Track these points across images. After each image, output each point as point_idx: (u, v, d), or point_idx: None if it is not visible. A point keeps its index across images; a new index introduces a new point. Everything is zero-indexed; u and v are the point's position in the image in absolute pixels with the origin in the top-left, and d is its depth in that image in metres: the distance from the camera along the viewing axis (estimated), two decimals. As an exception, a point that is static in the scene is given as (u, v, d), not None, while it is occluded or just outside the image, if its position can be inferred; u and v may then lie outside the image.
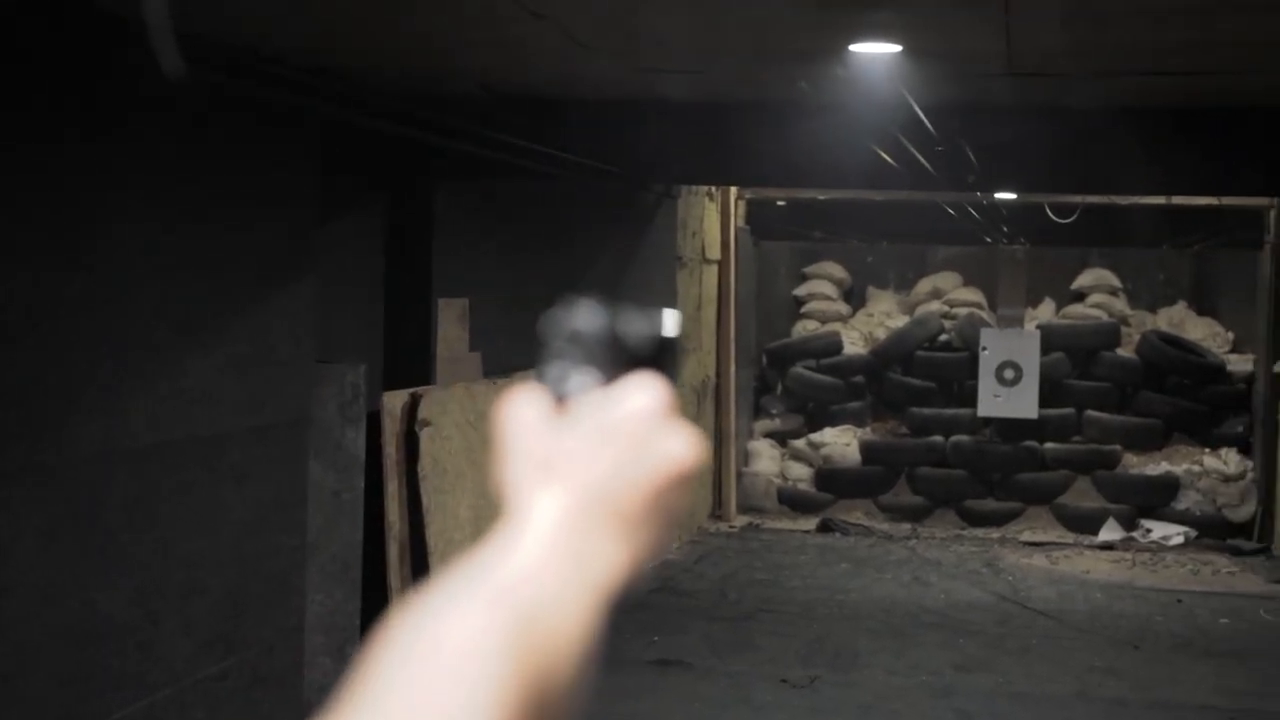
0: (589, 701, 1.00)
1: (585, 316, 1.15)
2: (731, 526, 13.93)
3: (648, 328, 1.22)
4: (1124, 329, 14.94)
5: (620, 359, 1.18)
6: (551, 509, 1.07)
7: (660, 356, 1.24)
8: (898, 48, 6.03)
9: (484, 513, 7.15)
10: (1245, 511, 13.81)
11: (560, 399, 1.13)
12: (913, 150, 7.94)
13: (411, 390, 7.04)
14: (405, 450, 6.85)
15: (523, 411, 1.13)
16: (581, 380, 1.15)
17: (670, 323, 1.25)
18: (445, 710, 0.87)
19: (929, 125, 7.36)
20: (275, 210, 6.37)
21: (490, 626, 0.94)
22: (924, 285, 15.78)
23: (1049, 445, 14.49)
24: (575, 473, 1.09)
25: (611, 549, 1.09)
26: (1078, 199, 13.23)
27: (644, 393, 1.14)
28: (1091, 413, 14.58)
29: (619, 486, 1.10)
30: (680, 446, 1.13)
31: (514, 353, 8.29)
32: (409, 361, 7.43)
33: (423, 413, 6.93)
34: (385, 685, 0.90)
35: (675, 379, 1.24)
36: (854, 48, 6.05)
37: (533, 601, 0.99)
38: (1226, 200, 12.85)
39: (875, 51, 6.10)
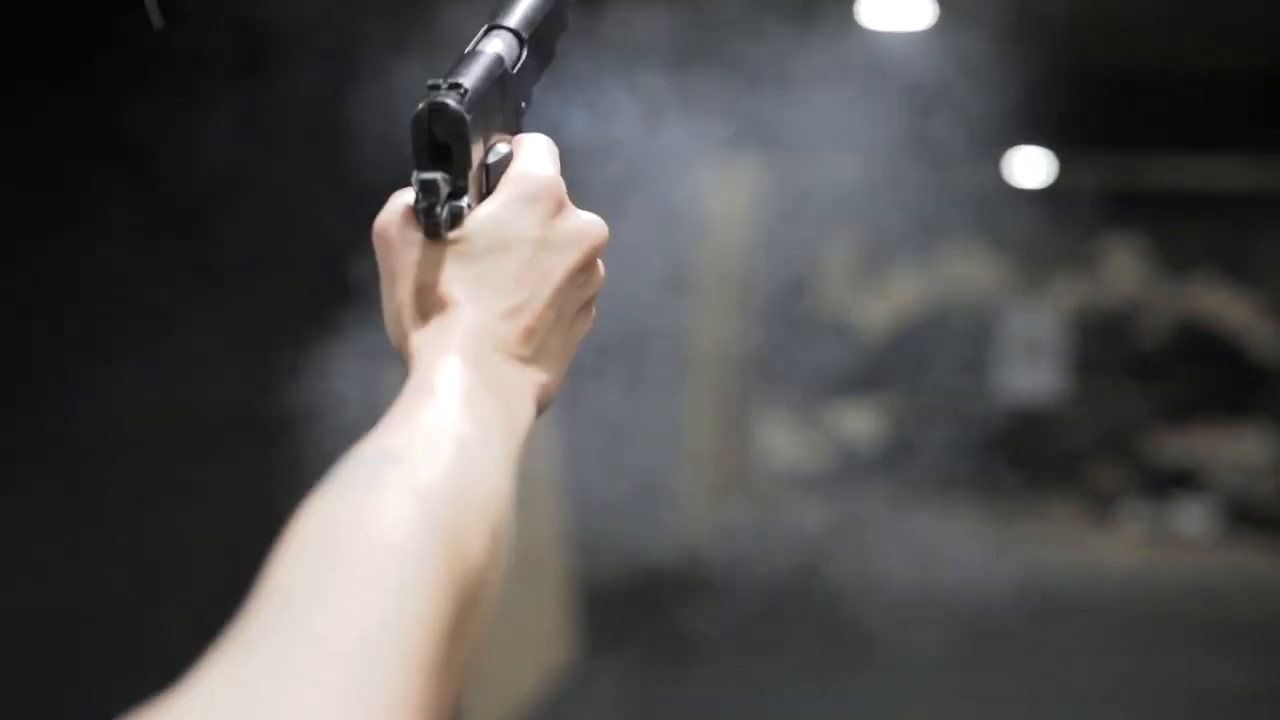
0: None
1: (453, 118, 1.00)
2: (748, 508, 13.79)
3: (523, 36, 1.12)
4: (1150, 306, 14.82)
5: (504, 110, 1.08)
6: (450, 352, 0.99)
7: (545, 49, 1.18)
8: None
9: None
10: (1274, 495, 13.69)
11: (439, 230, 1.01)
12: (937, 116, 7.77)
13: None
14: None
15: (402, 236, 1.03)
16: (461, 197, 1.02)
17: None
18: (374, 610, 0.75)
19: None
20: (274, 184, 6.25)
21: (415, 519, 0.83)
22: (943, 258, 15.62)
23: (1072, 425, 14.38)
24: (471, 309, 1.01)
25: (523, 381, 1.03)
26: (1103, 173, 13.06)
27: (528, 183, 1.05)
28: (1115, 392, 14.47)
29: (517, 308, 1.02)
30: (578, 230, 1.07)
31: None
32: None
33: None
34: (306, 581, 0.80)
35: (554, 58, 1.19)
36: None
37: (452, 479, 0.89)
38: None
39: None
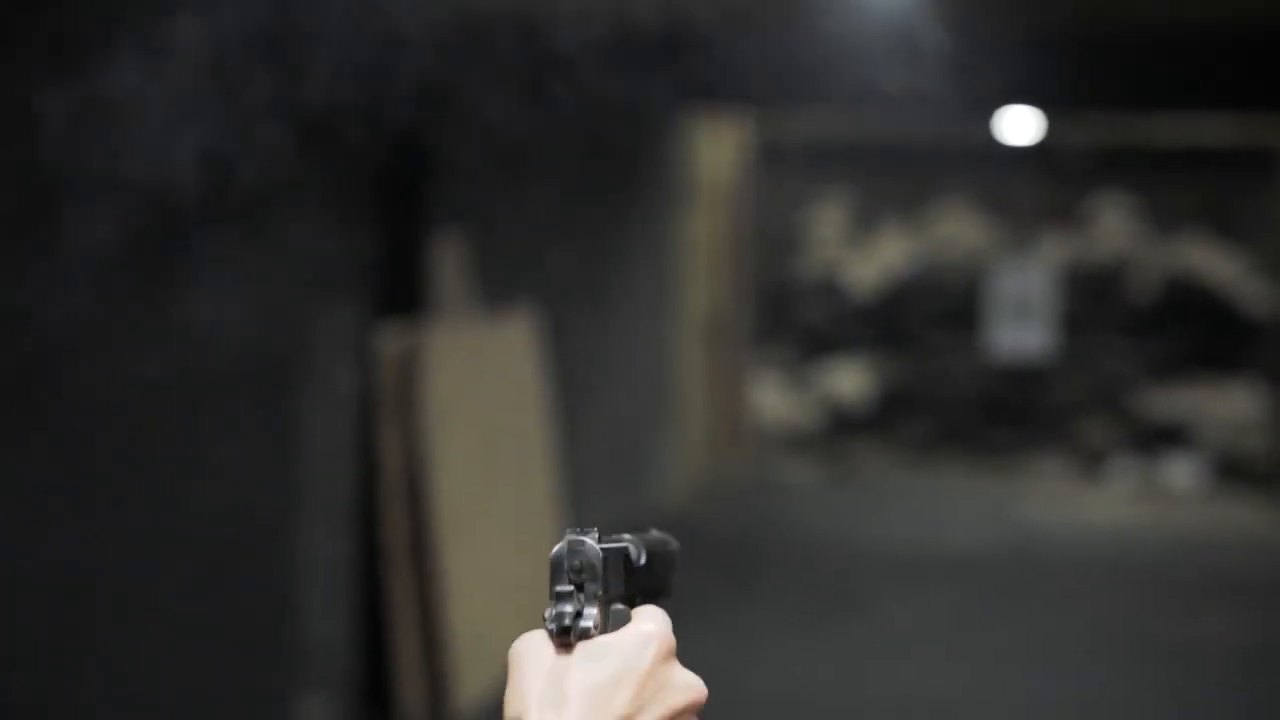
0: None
1: (590, 552, 1.26)
2: (740, 467, 13.83)
3: (649, 548, 1.37)
4: (1139, 263, 14.84)
5: (626, 583, 1.32)
6: None
7: (660, 575, 1.42)
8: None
9: (483, 453, 7.04)
10: (1262, 450, 13.73)
11: (569, 636, 1.23)
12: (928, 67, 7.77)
13: (408, 327, 6.89)
14: (402, 390, 6.71)
15: (535, 646, 1.23)
16: (590, 617, 1.25)
17: (667, 542, 1.45)
18: None
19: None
20: (270, 145, 6.24)
21: None
22: (934, 217, 15.63)
23: (1061, 382, 14.42)
24: (583, 707, 1.19)
25: None
26: (1092, 130, 13.06)
27: (647, 629, 1.26)
28: (1105, 349, 14.49)
29: (621, 713, 1.20)
30: (684, 682, 1.26)
31: (513, 286, 8.16)
32: (407, 297, 7.30)
33: (420, 351, 6.79)
34: None
35: (670, 594, 1.43)
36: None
37: None
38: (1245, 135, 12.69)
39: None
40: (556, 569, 1.27)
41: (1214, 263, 14.91)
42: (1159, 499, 12.84)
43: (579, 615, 1.24)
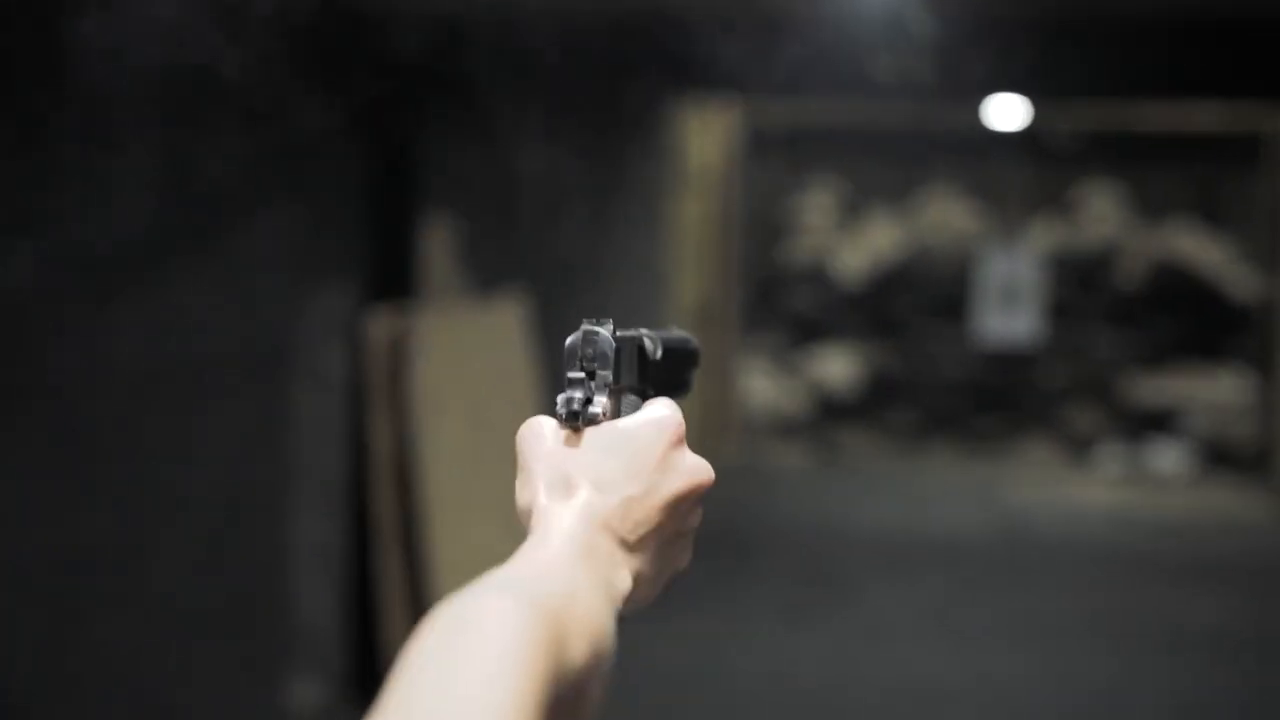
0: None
1: (603, 342, 1.28)
2: (728, 453, 13.84)
3: (667, 344, 1.40)
4: (1126, 250, 14.85)
5: (640, 376, 1.34)
6: (570, 521, 1.19)
7: (679, 371, 1.43)
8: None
9: (472, 437, 7.05)
10: (1248, 435, 13.75)
11: (578, 422, 1.25)
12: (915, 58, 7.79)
13: (398, 311, 6.90)
14: (391, 373, 6.73)
15: (542, 433, 1.26)
16: (599, 404, 1.26)
17: (687, 339, 1.46)
18: (483, 699, 0.93)
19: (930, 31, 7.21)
20: (259, 129, 6.26)
21: (525, 623, 1.00)
22: (922, 203, 15.64)
23: (1049, 368, 14.44)
24: (590, 490, 1.21)
25: (624, 561, 1.22)
26: (1079, 119, 13.08)
27: (657, 415, 1.27)
28: (1093, 335, 14.51)
29: (630, 504, 1.22)
30: (691, 465, 1.27)
31: (503, 271, 8.17)
32: (396, 281, 7.31)
33: (409, 334, 6.80)
34: (430, 673, 0.96)
35: (689, 390, 1.44)
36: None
37: (559, 600, 1.08)
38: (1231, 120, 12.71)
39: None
40: (570, 356, 1.28)
41: (1201, 249, 14.93)
42: (1146, 484, 12.87)
43: (588, 402, 1.25)
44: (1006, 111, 11.43)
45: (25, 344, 4.92)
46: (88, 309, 5.20)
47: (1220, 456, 13.64)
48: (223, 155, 6.00)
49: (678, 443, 1.27)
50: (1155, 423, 14.00)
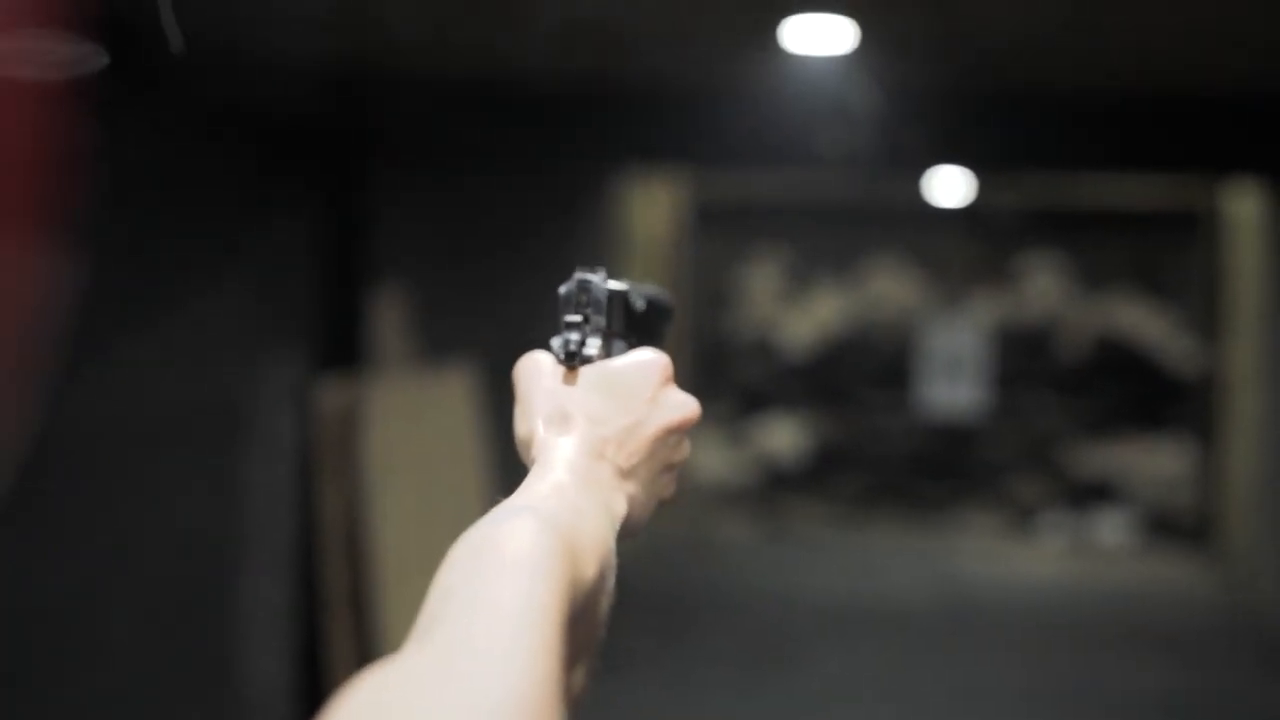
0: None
1: (597, 289, 1.38)
2: (675, 523, 13.86)
3: (648, 298, 1.48)
4: (1069, 322, 14.97)
5: (625, 325, 1.42)
6: (570, 451, 1.27)
7: (657, 323, 1.51)
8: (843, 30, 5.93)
9: (421, 505, 7.07)
10: (1191, 506, 13.85)
11: (574, 361, 1.35)
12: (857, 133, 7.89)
13: (348, 380, 6.94)
14: (341, 441, 6.75)
15: (541, 369, 1.35)
16: (594, 346, 1.36)
17: (665, 295, 1.54)
18: (509, 606, 1.00)
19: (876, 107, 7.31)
20: (212, 197, 6.29)
21: (544, 540, 1.07)
22: (866, 275, 15.76)
23: (993, 439, 14.51)
24: (586, 422, 1.30)
25: (620, 486, 1.29)
26: (1024, 193, 13.22)
27: (647, 356, 1.37)
28: (1036, 406, 14.60)
29: (623, 435, 1.30)
30: (679, 401, 1.36)
31: (452, 340, 8.21)
32: (346, 350, 7.34)
33: (359, 403, 6.83)
34: (461, 594, 1.02)
35: (666, 342, 1.50)
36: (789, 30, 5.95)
37: (570, 519, 1.15)
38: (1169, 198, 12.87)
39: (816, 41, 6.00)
40: (565, 303, 1.38)
41: (1142, 321, 15.09)
42: (1089, 554, 12.93)
43: (584, 344, 1.36)
44: (949, 185, 11.57)
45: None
46: (42, 369, 5.19)
47: (1163, 526, 13.74)
48: (174, 222, 6.04)
49: (666, 380, 1.36)
50: (1098, 492, 14.09)
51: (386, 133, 7.37)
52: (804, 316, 15.74)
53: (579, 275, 1.40)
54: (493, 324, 8.90)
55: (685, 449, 1.40)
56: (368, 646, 6.57)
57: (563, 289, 1.39)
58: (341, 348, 7.33)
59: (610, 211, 12.32)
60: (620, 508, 1.29)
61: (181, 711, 6.15)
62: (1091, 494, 14.10)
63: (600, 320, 1.38)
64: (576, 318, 1.37)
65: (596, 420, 1.31)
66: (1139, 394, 14.54)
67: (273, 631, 6.74)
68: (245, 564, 6.62)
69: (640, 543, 10.04)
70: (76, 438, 5.42)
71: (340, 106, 6.94)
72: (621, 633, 7.32)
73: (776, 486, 14.72)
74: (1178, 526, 13.70)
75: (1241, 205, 12.14)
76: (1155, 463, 14.13)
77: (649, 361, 1.36)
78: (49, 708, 5.30)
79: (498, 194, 9.65)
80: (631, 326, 1.45)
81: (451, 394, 7.59)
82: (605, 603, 1.21)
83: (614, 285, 1.42)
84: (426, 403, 7.40)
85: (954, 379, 14.13)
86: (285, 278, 7.19)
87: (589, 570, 1.15)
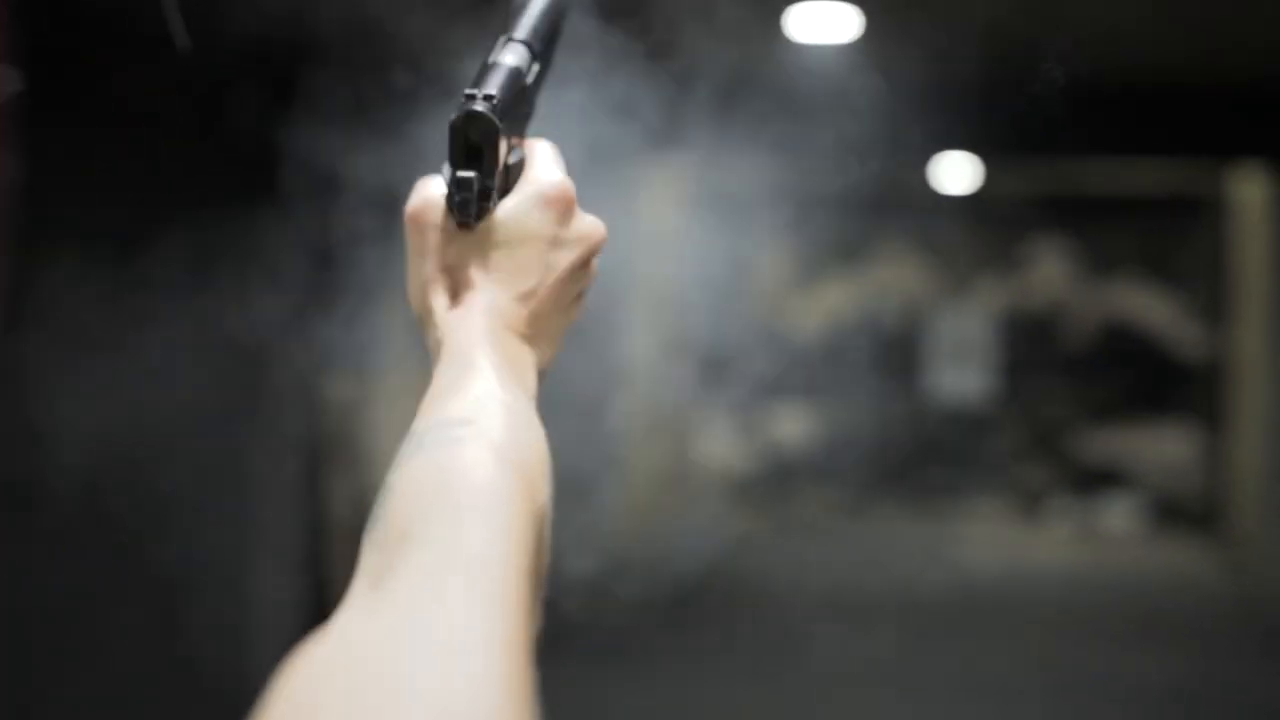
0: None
1: (487, 125, 1.16)
2: (681, 512, 13.85)
3: (537, 36, 1.28)
4: (1076, 308, 14.95)
5: (517, 110, 1.23)
6: (479, 330, 1.17)
7: (547, 62, 1.31)
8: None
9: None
10: (1198, 492, 13.84)
11: (469, 216, 1.18)
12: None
13: (356, 375, 6.95)
14: (350, 438, 6.77)
15: (432, 224, 1.21)
16: (489, 193, 1.18)
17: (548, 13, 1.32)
18: (480, 533, 0.93)
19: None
20: (218, 193, 6.30)
21: (499, 479, 0.99)
22: (874, 263, 15.74)
23: (1000, 425, 14.50)
24: (490, 291, 1.19)
25: (530, 354, 1.20)
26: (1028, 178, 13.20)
27: (544, 188, 1.22)
28: (1043, 393, 14.59)
29: (528, 294, 1.20)
30: (583, 231, 1.24)
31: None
32: (357, 348, 7.34)
33: (369, 399, 6.84)
34: (423, 519, 0.95)
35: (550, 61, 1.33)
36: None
37: (511, 435, 1.06)
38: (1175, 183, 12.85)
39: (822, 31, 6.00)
40: (454, 139, 1.16)
41: (1149, 308, 15.06)
42: (1096, 540, 12.92)
43: (479, 195, 1.17)
44: (955, 172, 11.56)
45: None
46: (48, 367, 5.21)
47: (1170, 512, 13.72)
48: (187, 224, 6.04)
49: (567, 210, 1.23)
50: (1105, 479, 14.07)
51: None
52: (811, 305, 15.72)
53: (467, 106, 1.17)
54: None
55: (592, 273, 1.29)
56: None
57: (450, 120, 1.16)
58: (353, 344, 7.32)
59: (619, 200, 12.30)
60: (533, 381, 1.20)
61: (187, 710, 6.16)
62: (1099, 480, 14.09)
63: (495, 156, 1.17)
64: (468, 174, 1.16)
65: (499, 282, 1.19)
66: (1146, 380, 14.52)
67: (281, 625, 6.75)
68: (255, 557, 6.63)
69: (646, 530, 10.03)
70: (80, 433, 5.42)
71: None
72: (621, 620, 7.31)
73: (784, 474, 14.71)
74: (1185, 512, 13.68)
75: (1249, 191, 12.12)
76: (1162, 449, 14.12)
77: (545, 197, 1.21)
78: (50, 707, 5.31)
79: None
80: (526, 103, 1.26)
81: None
82: (548, 520, 1.09)
83: (499, 78, 1.21)
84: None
85: (961, 366, 14.13)
86: (295, 273, 7.20)
87: (542, 495, 1.06)
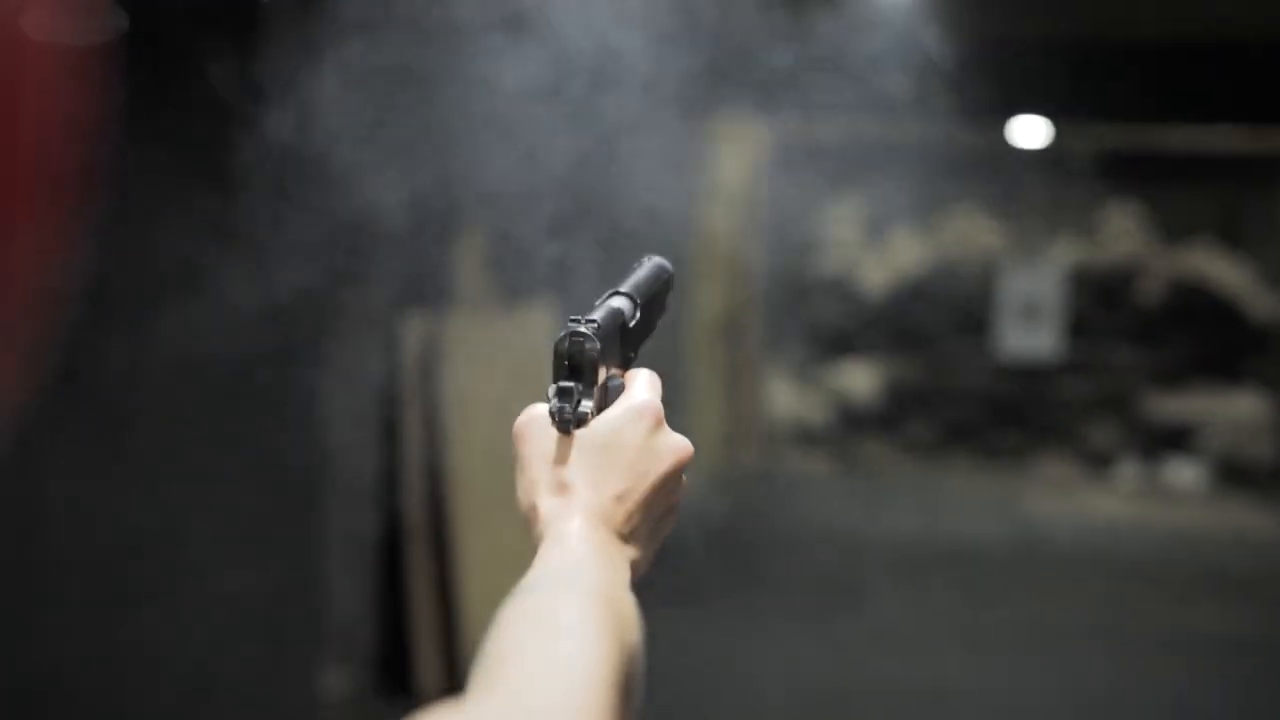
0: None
1: (589, 350, 1.35)
2: (750, 461, 13.94)
3: (641, 294, 1.48)
4: (1147, 269, 14.91)
5: (622, 347, 1.42)
6: (578, 523, 1.29)
7: (656, 310, 1.51)
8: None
9: (500, 439, 7.19)
10: (1265, 456, 13.81)
11: (569, 427, 1.34)
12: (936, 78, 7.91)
13: (431, 314, 7.06)
14: (424, 374, 6.88)
15: (538, 435, 1.35)
16: (587, 405, 1.35)
17: (661, 266, 1.54)
18: (567, 668, 1.04)
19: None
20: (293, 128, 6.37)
21: (588, 610, 1.12)
22: (946, 220, 15.75)
23: (1068, 384, 14.49)
24: (586, 490, 1.31)
25: (623, 550, 1.31)
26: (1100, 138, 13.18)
27: (636, 403, 1.36)
28: (1112, 352, 14.56)
29: (622, 497, 1.31)
30: (671, 446, 1.36)
31: (533, 278, 8.29)
32: (430, 285, 7.45)
33: (442, 338, 6.96)
34: (519, 648, 1.07)
35: (666, 311, 1.53)
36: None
37: (605, 591, 1.19)
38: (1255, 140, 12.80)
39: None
40: (558, 360, 1.37)
41: (1221, 270, 15.02)
42: (1162, 499, 12.91)
43: (578, 404, 1.35)
44: (1030, 131, 11.57)
45: (73, 342, 5.01)
46: (131, 306, 5.31)
47: (1236, 475, 13.70)
48: (261, 169, 6.12)
49: (657, 426, 1.37)
50: (1172, 440, 14.05)
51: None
52: (883, 260, 15.75)
53: (570, 331, 1.37)
54: (574, 265, 8.99)
55: (683, 489, 1.41)
56: (447, 574, 6.70)
57: (556, 343, 1.37)
58: (427, 284, 7.42)
59: (690, 153, 12.34)
60: (625, 575, 1.31)
61: (268, 636, 6.28)
62: (1166, 442, 14.07)
63: (592, 376, 1.36)
64: (569, 384, 1.35)
65: (596, 485, 1.31)
66: (1215, 342, 14.48)
67: (356, 561, 6.86)
68: (330, 491, 6.74)
69: (715, 478, 10.11)
70: (160, 374, 5.53)
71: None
72: (689, 569, 7.42)
73: (851, 427, 14.76)
74: (1251, 475, 13.67)
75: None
76: (1231, 412, 14.09)
77: (638, 410, 1.35)
78: (141, 633, 5.42)
79: (580, 137, 9.71)
80: (628, 343, 1.45)
81: (531, 331, 7.71)
82: (640, 675, 1.24)
83: (606, 316, 1.40)
84: (506, 338, 7.52)
85: (1031, 324, 14.12)
86: (372, 216, 7.30)
87: (632, 635, 1.19)
